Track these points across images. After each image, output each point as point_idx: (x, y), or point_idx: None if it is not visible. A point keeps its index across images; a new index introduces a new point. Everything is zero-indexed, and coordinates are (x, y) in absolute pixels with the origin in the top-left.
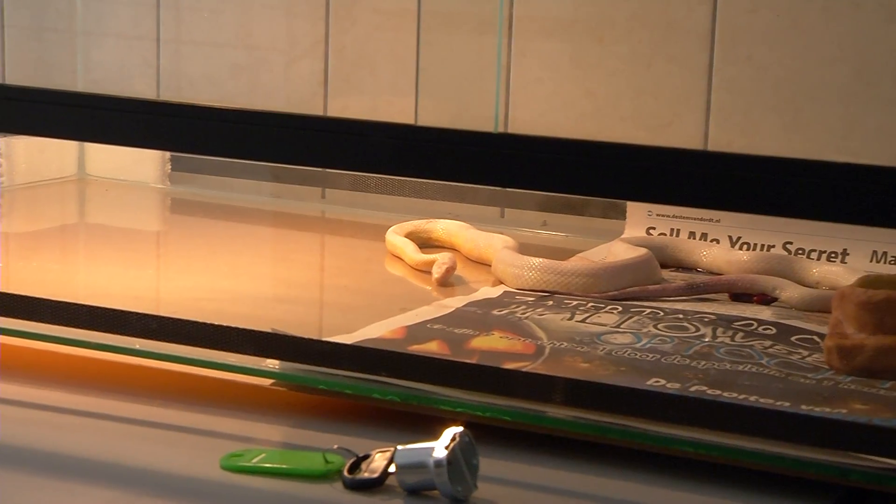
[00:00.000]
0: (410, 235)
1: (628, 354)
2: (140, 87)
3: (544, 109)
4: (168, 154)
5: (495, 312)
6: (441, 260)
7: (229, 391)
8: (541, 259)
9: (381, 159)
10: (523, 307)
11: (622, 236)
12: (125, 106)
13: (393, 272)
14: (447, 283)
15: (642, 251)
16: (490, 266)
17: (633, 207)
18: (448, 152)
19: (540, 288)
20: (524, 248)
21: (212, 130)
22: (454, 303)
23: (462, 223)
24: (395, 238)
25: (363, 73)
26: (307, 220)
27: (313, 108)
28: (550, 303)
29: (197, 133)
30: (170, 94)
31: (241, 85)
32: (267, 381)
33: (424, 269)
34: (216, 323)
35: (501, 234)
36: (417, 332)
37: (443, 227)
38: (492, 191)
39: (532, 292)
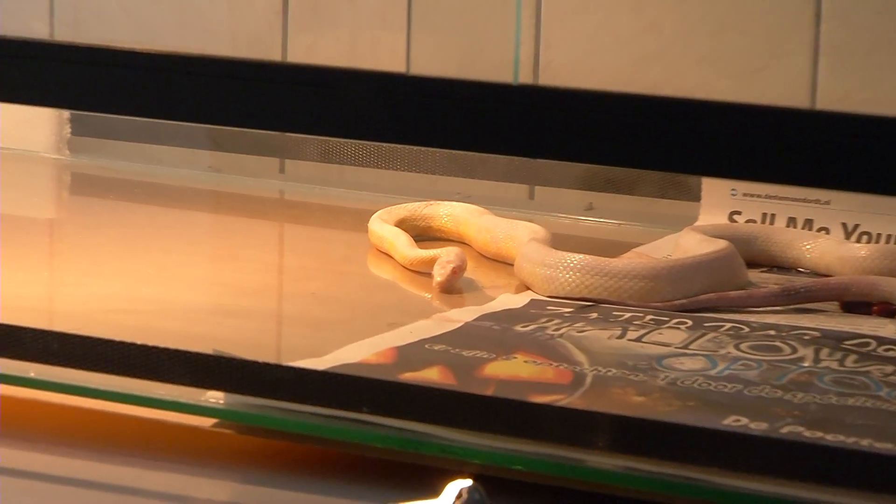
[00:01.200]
0: (403, 224)
1: (699, 384)
2: (25, 20)
3: (587, 51)
4: (66, 114)
5: (519, 328)
6: (445, 257)
7: (157, 435)
8: (582, 256)
9: (361, 120)
10: (557, 321)
11: (695, 224)
12: (5, 48)
13: (378, 274)
14: (453, 288)
15: (722, 244)
16: (512, 266)
17: (710, 185)
18: (453, 111)
19: (581, 295)
20: (559, 241)
21: (126, 81)
22: (462, 315)
23: (473, 207)
24: (382, 228)
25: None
26: (261, 203)
27: (268, 51)
28: (594, 315)
29: (105, 85)
30: (67, 32)
31: (166, 18)
32: (208, 422)
33: (422, 270)
34: (138, 342)
35: (528, 221)
36: (412, 354)
37: (447, 213)
38: (514, 162)
39: (570, 301)
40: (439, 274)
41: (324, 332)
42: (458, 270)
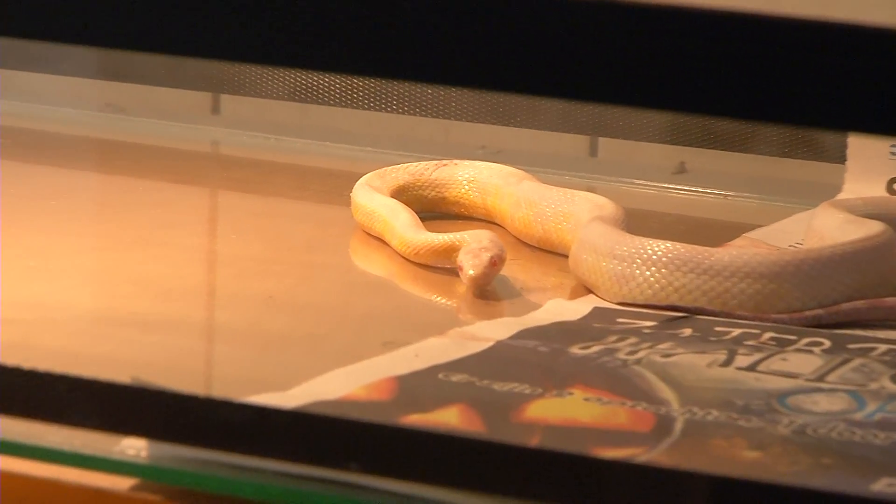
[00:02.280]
0: (403, 194)
1: (839, 433)
2: None
3: None
4: None
5: (576, 351)
6: (475, 243)
7: (51, 502)
8: (669, 244)
9: (335, 39)
10: (633, 341)
11: (837, 198)
12: None
13: (367, 269)
14: (485, 289)
15: (876, 228)
16: (566, 258)
17: (859, 143)
18: (471, 24)
19: (668, 302)
20: (636, 222)
21: None
22: (493, 331)
23: (508, 169)
24: (373, 200)
25: None
26: (186, 159)
27: None
28: (688, 332)
29: None
30: None
31: None
32: (125, 482)
33: (432, 264)
34: (19, 366)
35: (590, 191)
36: (420, 387)
37: (469, 178)
38: (569, 105)
39: (652, 311)
40: (473, 265)
41: (289, 353)
42: (497, 261)
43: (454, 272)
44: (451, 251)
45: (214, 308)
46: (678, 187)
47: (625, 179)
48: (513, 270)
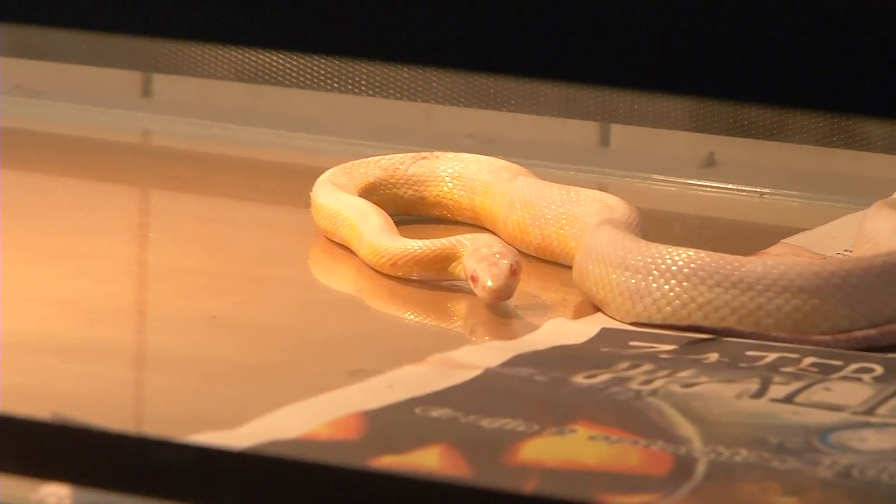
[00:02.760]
0: (374, 193)
1: (891, 476)
2: None
3: None
4: None
5: (580, 380)
6: (487, 247)
7: None
8: (692, 253)
9: (287, 6)
10: (648, 368)
11: (893, 196)
12: None
13: (330, 284)
14: (500, 302)
15: None
16: (569, 269)
17: None
18: None
19: (691, 322)
20: (655, 225)
21: None
22: (481, 357)
23: (501, 162)
24: (337, 199)
25: None
26: (112, 151)
27: None
28: (713, 357)
29: None
30: None
31: None
32: None
33: (410, 276)
34: None
35: (598, 190)
36: (394, 424)
37: (453, 173)
38: (576, 88)
39: (671, 332)
40: (492, 276)
41: (238, 385)
42: (517, 269)
43: (437, 287)
44: (444, 260)
45: (148, 331)
46: (705, 184)
47: (641, 174)
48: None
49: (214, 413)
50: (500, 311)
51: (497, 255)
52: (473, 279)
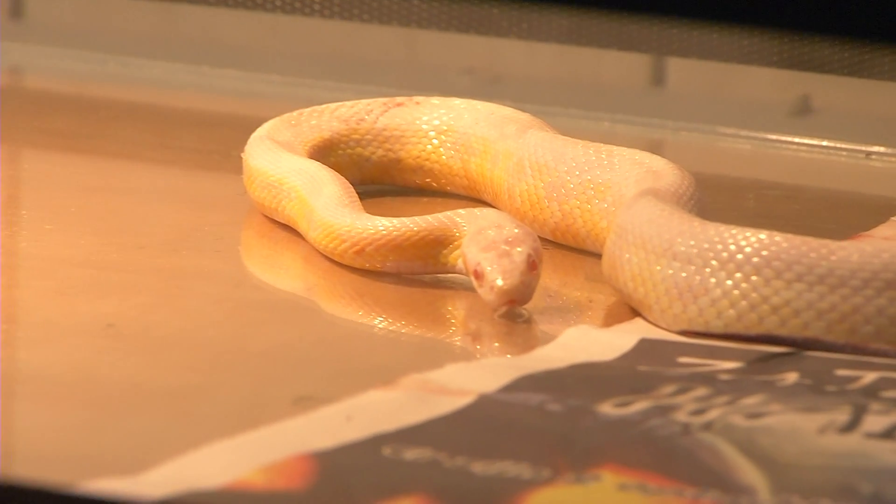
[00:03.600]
0: (328, 154)
1: None
2: None
3: None
4: None
5: (608, 410)
6: (495, 229)
7: None
8: (765, 236)
9: None
10: (702, 392)
11: None
12: None
13: (270, 280)
14: (515, 308)
15: None
16: (598, 257)
17: None
18: None
19: (760, 330)
20: (720, 197)
21: None
22: (473, 379)
23: (504, 110)
24: (279, 162)
25: None
26: None
27: None
28: (791, 377)
29: None
30: None
31: None
32: None
33: (399, 269)
34: None
35: (642, 151)
36: (353, 469)
37: (439, 126)
38: (617, 13)
39: (733, 343)
40: (503, 271)
41: (142, 416)
42: (536, 262)
43: (416, 283)
44: (432, 247)
45: (19, 345)
46: (793, 139)
47: (705, 126)
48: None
49: (111, 454)
50: (503, 316)
51: (509, 241)
52: (477, 275)
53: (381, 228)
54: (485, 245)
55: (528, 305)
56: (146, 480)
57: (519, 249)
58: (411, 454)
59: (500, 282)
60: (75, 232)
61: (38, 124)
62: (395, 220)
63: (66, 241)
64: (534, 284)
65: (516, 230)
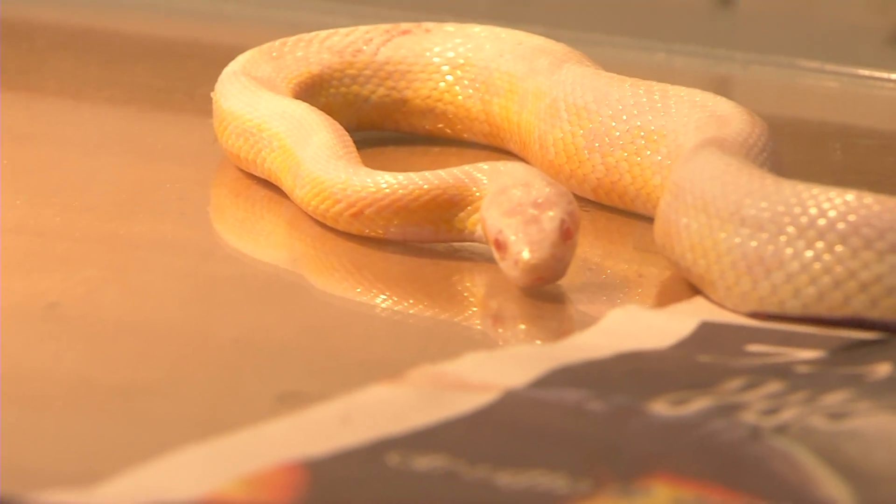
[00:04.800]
0: (317, 94)
1: None
2: None
3: None
4: None
5: (661, 410)
6: (522, 188)
7: None
8: (853, 197)
9: None
10: (775, 388)
11: None
12: None
13: (247, 249)
14: (544, 286)
15: None
16: (650, 221)
17: None
18: None
19: (847, 312)
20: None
21: None
22: (497, 371)
23: (534, 39)
24: (259, 104)
25: None
26: None
27: None
28: (882, 370)
29: None
30: None
31: None
32: None
33: (405, 236)
34: None
35: (704, 91)
36: (350, 479)
37: (454, 59)
38: None
39: (813, 328)
40: (530, 242)
41: (97, 416)
42: (572, 230)
43: (427, 253)
44: (446, 208)
45: None
46: (890, 76)
47: (783, 58)
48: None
49: (58, 463)
50: (535, 294)
51: (538, 204)
52: (499, 245)
53: (384, 186)
54: (508, 208)
55: (562, 282)
56: (103, 493)
57: (550, 214)
58: (422, 463)
59: (526, 254)
60: (7, 190)
61: None
62: (401, 176)
63: None
64: (568, 257)
65: (548, 189)
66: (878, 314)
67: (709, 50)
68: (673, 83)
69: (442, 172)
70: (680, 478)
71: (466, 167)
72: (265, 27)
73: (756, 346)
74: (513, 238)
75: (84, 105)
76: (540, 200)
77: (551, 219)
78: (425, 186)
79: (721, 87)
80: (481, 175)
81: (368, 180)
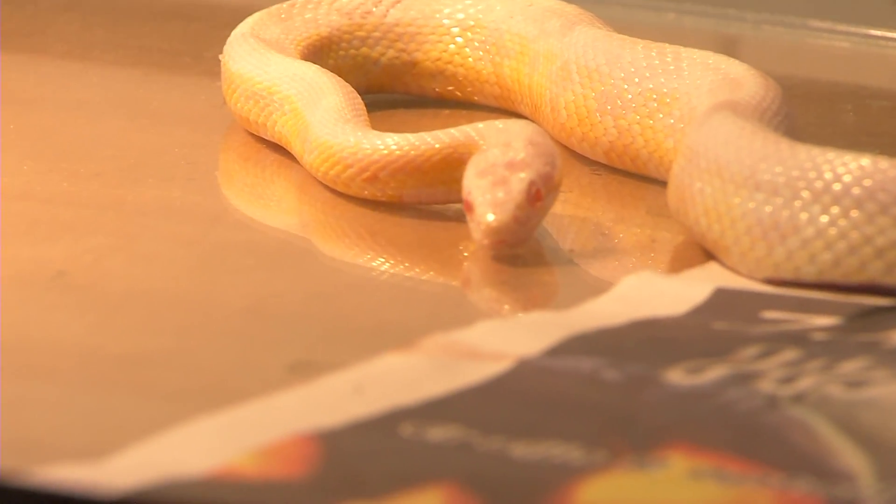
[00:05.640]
0: (326, 56)
1: None
2: None
3: None
4: None
5: (676, 378)
6: (501, 146)
7: None
8: (868, 161)
9: None
10: (792, 355)
11: None
12: None
13: (257, 215)
14: (506, 251)
15: None
16: (663, 186)
17: None
18: None
19: (863, 278)
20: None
21: None
22: (510, 339)
23: (546, 0)
24: (269, 66)
25: None
26: None
27: None
28: None
29: None
30: None
31: None
32: None
33: (411, 198)
34: None
35: (715, 53)
36: (364, 451)
37: (465, 21)
38: None
39: (830, 294)
40: (493, 203)
41: (105, 388)
42: (541, 190)
43: (438, 216)
44: (457, 167)
45: None
46: None
47: (793, 19)
48: (557, 214)
49: (67, 435)
50: (546, 260)
51: (512, 165)
52: (467, 206)
53: (395, 147)
54: (482, 168)
55: (575, 246)
56: (112, 467)
57: (521, 176)
58: (436, 433)
59: (489, 216)
60: (12, 156)
61: None
62: (412, 137)
63: (1, 168)
64: (534, 221)
65: (524, 151)
66: (895, 280)
67: (719, 10)
68: (683, 44)
69: (453, 130)
70: (696, 448)
71: (478, 125)
72: None
73: (771, 313)
74: (479, 199)
75: (90, 68)
76: (514, 161)
77: (520, 181)
78: (436, 146)
79: (731, 47)
80: (476, 134)
81: (378, 142)
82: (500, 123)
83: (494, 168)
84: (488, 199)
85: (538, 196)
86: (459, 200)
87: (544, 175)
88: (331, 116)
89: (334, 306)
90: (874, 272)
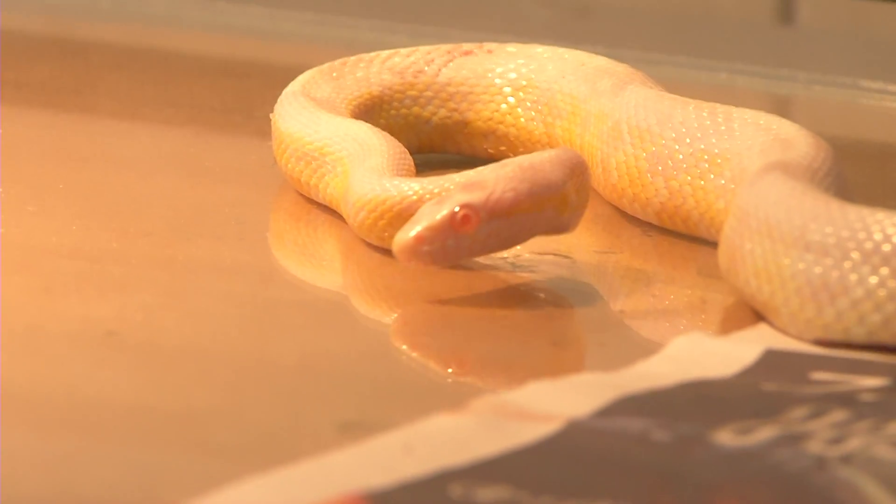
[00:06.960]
0: (378, 114)
1: None
2: None
3: None
4: None
5: (725, 440)
6: (463, 183)
7: None
8: None
9: None
10: (841, 416)
11: None
12: None
13: (306, 276)
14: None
15: None
16: (714, 247)
17: None
18: None
19: None
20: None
21: None
22: (560, 401)
23: (597, 60)
24: (318, 125)
25: None
26: None
27: None
28: None
29: None
30: None
31: None
32: None
33: (434, 261)
34: None
35: (767, 113)
36: None
37: (516, 80)
38: None
39: (881, 355)
40: (408, 226)
41: (153, 446)
42: (471, 219)
43: (483, 268)
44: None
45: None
46: None
47: (848, 79)
48: (608, 274)
49: (114, 492)
50: (597, 321)
51: (456, 189)
52: None
53: (419, 189)
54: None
55: (625, 307)
56: None
57: (453, 199)
58: (485, 495)
59: (400, 233)
60: (63, 214)
61: (13, 76)
62: (439, 179)
63: (53, 226)
64: (450, 245)
65: (466, 177)
66: None
67: (771, 70)
68: (735, 103)
69: (470, 172)
70: None
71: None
72: (325, 47)
73: (821, 374)
74: (416, 215)
75: (140, 126)
76: (462, 186)
77: (449, 205)
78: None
79: (783, 106)
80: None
81: (405, 187)
82: (515, 160)
83: (446, 191)
84: (417, 217)
85: (466, 220)
86: (497, 249)
87: (479, 202)
88: (372, 175)
89: (383, 366)
90: None
